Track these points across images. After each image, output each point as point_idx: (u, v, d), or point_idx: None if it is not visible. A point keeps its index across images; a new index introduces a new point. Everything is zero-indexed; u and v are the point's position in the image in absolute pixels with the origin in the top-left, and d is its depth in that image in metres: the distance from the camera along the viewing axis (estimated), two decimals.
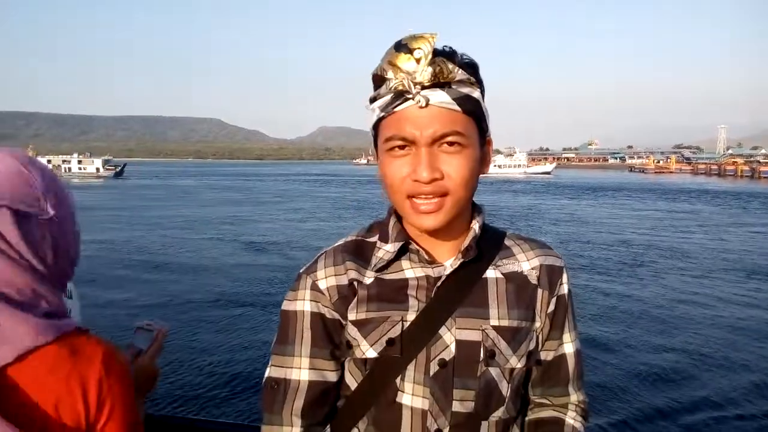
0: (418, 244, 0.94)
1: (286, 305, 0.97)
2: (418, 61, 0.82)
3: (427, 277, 0.93)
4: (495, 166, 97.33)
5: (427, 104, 0.83)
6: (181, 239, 16.08)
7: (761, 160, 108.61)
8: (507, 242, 1.01)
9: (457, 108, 0.84)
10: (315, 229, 18.89)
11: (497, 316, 0.93)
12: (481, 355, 0.91)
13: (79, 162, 70.88)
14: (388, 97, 0.85)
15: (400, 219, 0.97)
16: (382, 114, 0.87)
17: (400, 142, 0.86)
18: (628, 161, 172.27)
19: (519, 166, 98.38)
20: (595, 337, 7.18)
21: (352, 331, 0.93)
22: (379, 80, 0.87)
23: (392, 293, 0.93)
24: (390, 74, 0.84)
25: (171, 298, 9.26)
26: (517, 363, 0.94)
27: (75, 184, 45.94)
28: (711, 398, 5.58)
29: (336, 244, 1.00)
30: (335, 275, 0.95)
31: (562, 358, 1.01)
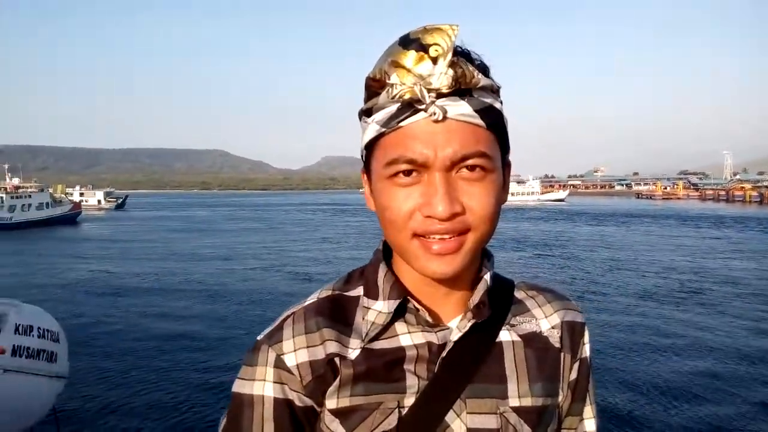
0: (418, 301, 0.73)
1: (240, 386, 0.73)
2: (434, 61, 0.63)
3: (429, 345, 0.72)
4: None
5: (444, 117, 0.64)
6: (229, 270, 16.13)
7: None
8: (518, 294, 0.82)
9: (481, 122, 0.66)
10: (353, 257, 18.94)
11: (517, 393, 0.73)
12: None
13: (81, 194, 70.95)
14: (392, 108, 0.64)
15: (391, 266, 0.77)
16: (382, 130, 0.66)
17: (406, 166, 0.65)
18: (635, 188, 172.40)
19: (532, 193, 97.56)
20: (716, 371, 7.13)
21: (332, 424, 0.71)
22: (376, 86, 0.66)
23: (385, 370, 0.71)
24: (394, 78, 0.64)
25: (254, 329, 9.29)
26: None
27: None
28: None
29: (306, 303, 0.77)
30: (308, 347, 0.72)
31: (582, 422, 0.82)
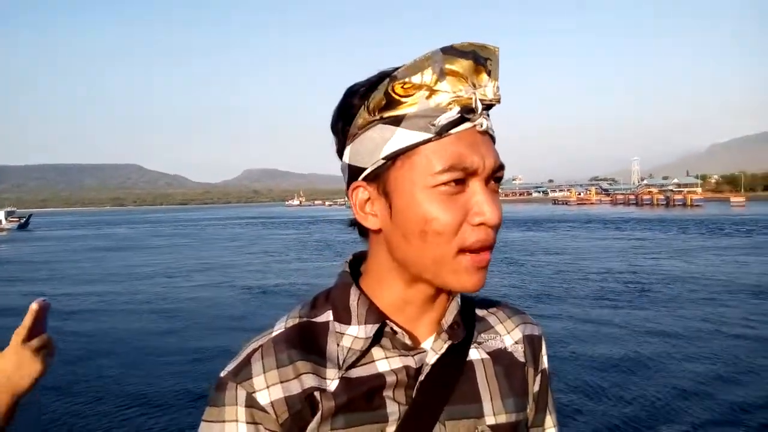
0: (395, 323, 0.71)
1: (208, 430, 0.67)
2: (489, 74, 0.65)
3: (407, 369, 0.70)
4: None
5: (484, 129, 0.65)
6: (176, 287, 15.50)
7: (674, 189, 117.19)
8: (479, 311, 0.81)
9: (494, 137, 0.69)
10: (300, 269, 18.72)
11: (492, 411, 0.73)
12: None
13: None
14: (450, 114, 0.63)
15: (359, 287, 0.74)
16: (428, 136, 0.63)
17: (460, 174, 0.63)
18: (551, 195, 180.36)
19: None
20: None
21: None
22: (409, 92, 0.64)
23: (365, 399, 0.68)
24: (445, 85, 0.63)
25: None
26: None
27: None
28: None
29: (273, 333, 0.71)
30: (281, 383, 0.67)
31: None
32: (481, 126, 0.64)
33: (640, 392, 6.42)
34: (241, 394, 0.66)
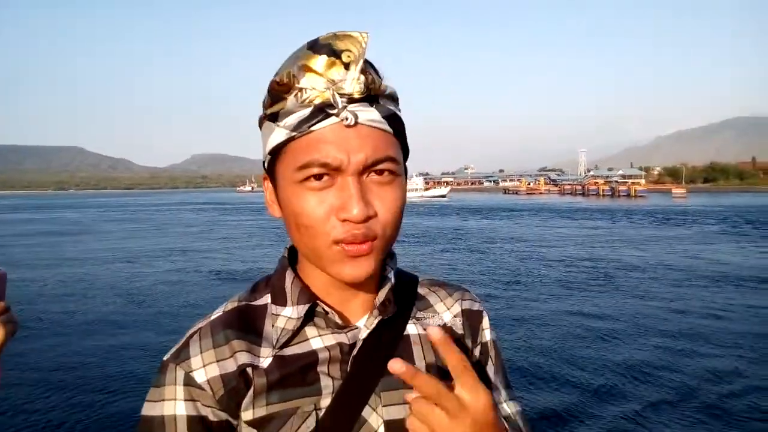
0: (327, 305, 0.74)
1: (149, 409, 0.70)
2: (346, 66, 0.63)
3: (340, 345, 0.73)
4: None
5: (355, 123, 0.65)
6: (140, 272, 15.20)
7: (619, 181, 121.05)
8: (421, 290, 0.85)
9: (389, 128, 0.68)
10: (267, 255, 18.60)
11: None
12: None
13: None
14: (303, 112, 0.64)
15: (296, 272, 0.78)
16: (293, 134, 0.65)
17: (318, 170, 0.65)
18: (501, 184, 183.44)
19: (417, 189, 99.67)
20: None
21: None
22: (282, 89, 0.65)
23: (298, 375, 0.71)
24: (305, 82, 0.64)
25: None
26: None
27: None
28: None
29: (212, 317, 0.76)
30: (217, 361, 0.70)
31: (508, 418, 0.83)
32: (347, 120, 0.64)
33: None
34: (180, 374, 0.70)
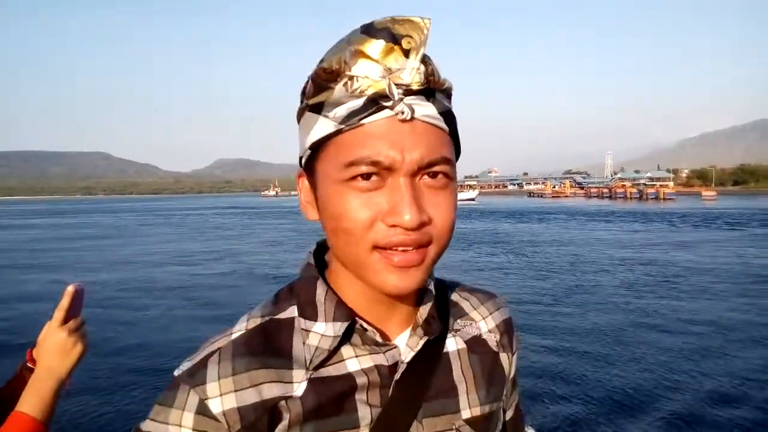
0: (364, 320, 0.67)
1: (151, 428, 0.62)
2: (406, 54, 0.57)
3: (378, 368, 0.67)
4: None
5: (411, 117, 0.58)
6: (200, 274, 15.45)
7: (647, 183, 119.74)
8: (454, 297, 0.79)
9: (445, 126, 0.61)
10: None
11: (468, 404, 0.71)
12: None
13: None
14: (356, 103, 0.57)
15: (326, 281, 0.70)
16: (340, 127, 0.58)
17: (368, 169, 0.58)
18: (526, 187, 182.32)
19: None
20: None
21: None
22: (330, 77, 0.58)
23: (335, 403, 0.64)
24: (357, 69, 0.57)
25: None
26: None
27: None
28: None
29: (234, 335, 0.67)
30: (236, 391, 0.62)
31: (517, 408, 0.86)
32: (402, 114, 0.57)
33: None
34: (193, 399, 0.61)
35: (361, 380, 0.65)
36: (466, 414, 0.70)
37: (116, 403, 5.92)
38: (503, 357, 0.78)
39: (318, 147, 0.61)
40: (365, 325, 0.66)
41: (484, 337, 0.77)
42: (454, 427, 0.69)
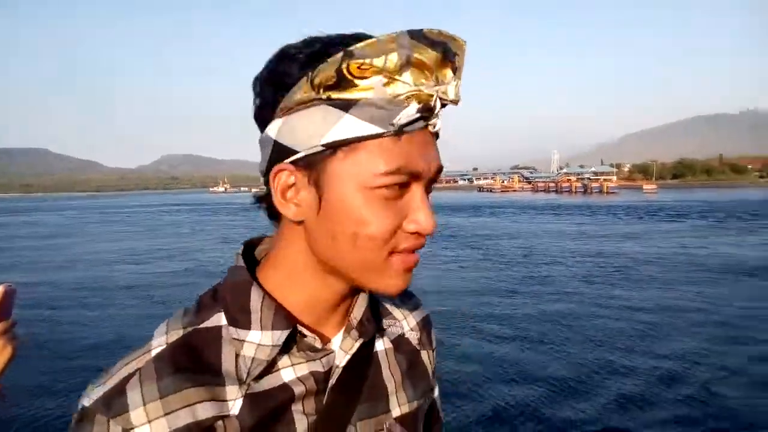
0: (304, 325, 0.65)
1: None
2: (455, 72, 0.58)
3: (314, 375, 0.64)
4: None
5: (437, 133, 0.61)
6: (154, 273, 15.11)
7: (591, 177, 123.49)
8: (376, 296, 0.76)
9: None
10: None
11: (398, 402, 0.72)
12: None
13: None
14: (409, 111, 0.56)
15: (260, 286, 0.65)
16: (381, 131, 0.56)
17: (406, 179, 0.58)
18: (476, 182, 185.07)
19: None
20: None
21: None
22: (364, 74, 0.55)
23: (272, 417, 0.61)
24: (408, 76, 0.55)
25: None
26: None
27: None
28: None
29: (153, 351, 0.60)
30: (165, 415, 0.56)
31: (434, 402, 0.85)
32: (434, 127, 0.59)
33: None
34: (116, 431, 0.54)
35: (297, 390, 0.63)
36: (396, 412, 0.71)
37: (74, 407, 5.79)
38: (424, 354, 0.79)
39: (339, 146, 0.57)
40: (305, 331, 0.63)
41: (407, 335, 0.78)
42: (385, 427, 0.69)
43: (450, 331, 8.40)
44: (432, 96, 0.56)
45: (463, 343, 7.91)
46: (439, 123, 0.59)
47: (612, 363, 6.99)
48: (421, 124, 0.57)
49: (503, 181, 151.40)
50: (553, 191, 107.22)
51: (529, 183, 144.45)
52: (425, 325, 0.81)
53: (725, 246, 18.35)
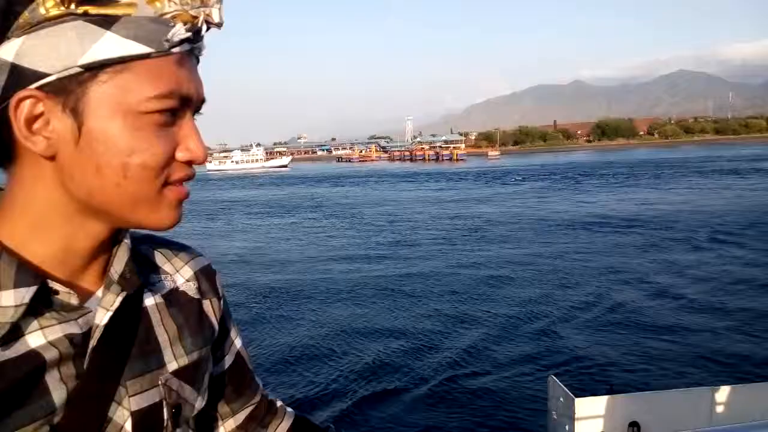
0: (56, 280, 0.55)
1: None
2: None
3: (70, 338, 0.54)
4: (233, 162, 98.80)
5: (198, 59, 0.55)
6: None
7: (442, 146, 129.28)
8: (145, 250, 0.68)
9: None
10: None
11: (173, 356, 0.65)
12: (165, 415, 0.63)
13: None
14: (177, 30, 0.51)
15: None
16: (150, 51, 0.50)
17: (176, 103, 0.53)
18: (335, 152, 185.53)
19: (257, 161, 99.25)
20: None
21: None
22: None
23: (20, 391, 0.51)
24: None
25: None
26: (202, 402, 0.70)
27: None
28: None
29: None
30: None
31: (239, 355, 0.80)
32: (200, 51, 0.56)
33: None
34: None
35: (50, 356, 0.53)
36: (172, 366, 0.65)
37: None
38: (206, 303, 0.73)
39: (100, 68, 0.50)
40: (58, 287, 0.55)
41: (183, 288, 0.70)
42: (161, 382, 0.62)
43: (320, 298, 8.81)
44: (198, 17, 0.52)
45: (332, 308, 8.36)
46: (203, 48, 0.56)
47: (471, 311, 7.81)
48: (187, 46, 0.53)
49: (361, 151, 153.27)
50: (408, 159, 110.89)
51: (386, 152, 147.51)
52: (205, 274, 0.74)
53: (562, 203, 20.56)
